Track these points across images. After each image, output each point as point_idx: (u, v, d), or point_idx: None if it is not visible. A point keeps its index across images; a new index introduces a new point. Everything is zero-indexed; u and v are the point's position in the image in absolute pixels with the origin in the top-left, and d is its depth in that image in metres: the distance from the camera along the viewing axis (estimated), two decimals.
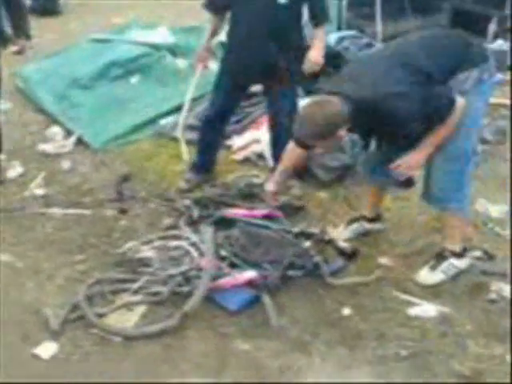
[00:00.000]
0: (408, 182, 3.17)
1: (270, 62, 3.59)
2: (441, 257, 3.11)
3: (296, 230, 3.36)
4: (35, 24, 8.01)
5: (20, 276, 3.12)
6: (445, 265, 3.09)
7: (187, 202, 3.59)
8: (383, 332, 2.78)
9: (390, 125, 2.75)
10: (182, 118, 4.41)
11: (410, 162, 2.89)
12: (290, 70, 3.63)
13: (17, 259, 3.26)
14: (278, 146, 3.78)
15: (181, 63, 5.64)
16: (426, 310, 2.93)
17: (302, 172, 3.92)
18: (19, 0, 4.13)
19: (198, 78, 4.21)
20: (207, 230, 3.12)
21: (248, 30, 3.57)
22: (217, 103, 3.86)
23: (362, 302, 2.98)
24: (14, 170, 4.29)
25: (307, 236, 3.33)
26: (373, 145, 3.12)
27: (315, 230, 3.40)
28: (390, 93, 2.67)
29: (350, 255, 3.29)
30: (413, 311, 2.92)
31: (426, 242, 3.41)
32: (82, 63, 5.65)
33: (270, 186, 3.31)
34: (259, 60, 3.60)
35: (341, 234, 3.45)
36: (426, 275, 3.11)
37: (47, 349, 2.60)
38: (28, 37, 4.16)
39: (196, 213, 3.44)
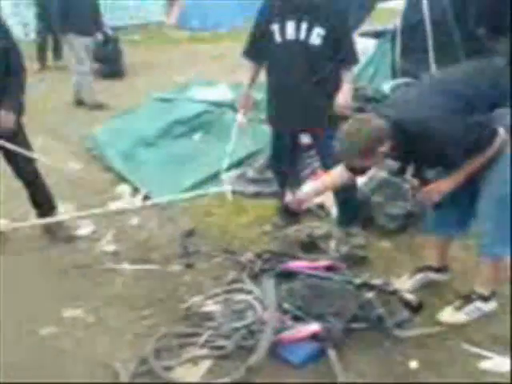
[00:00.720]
0: None
1: (309, 105, 3.69)
2: (468, 299, 3.14)
3: (358, 281, 3.33)
4: (102, 86, 8.55)
5: (91, 331, 3.23)
6: (470, 307, 3.12)
7: (249, 255, 3.65)
8: None
9: (427, 147, 2.77)
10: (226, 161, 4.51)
11: (437, 188, 2.96)
12: (330, 111, 3.69)
13: (89, 314, 3.38)
14: (340, 203, 3.88)
15: (240, 118, 5.78)
16: (499, 363, 2.85)
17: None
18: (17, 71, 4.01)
19: (238, 127, 4.39)
20: (269, 284, 3.16)
21: (284, 76, 3.70)
22: (271, 152, 4.11)
23: (429, 354, 2.93)
24: (85, 228, 4.49)
25: (370, 287, 3.29)
26: (409, 170, 3.15)
27: (378, 280, 3.37)
28: (429, 116, 2.73)
29: (415, 307, 3.23)
30: (484, 365, 2.84)
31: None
32: (147, 122, 5.93)
33: (300, 194, 3.37)
34: (298, 104, 3.71)
35: (405, 285, 3.41)
36: (449, 315, 3.13)
37: None
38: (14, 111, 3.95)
39: (258, 266, 3.49)
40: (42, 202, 4.34)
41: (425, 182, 3.10)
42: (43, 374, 2.85)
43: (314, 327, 2.98)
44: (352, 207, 4.02)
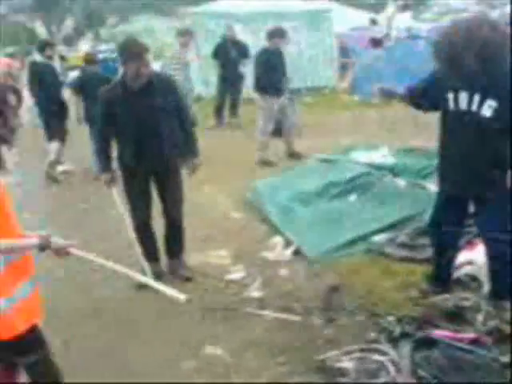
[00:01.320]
0: None
1: (479, 173, 3.61)
2: None
3: (505, 359, 3.16)
4: (271, 143, 9.01)
5: (227, 371, 3.40)
6: None
7: (391, 318, 3.62)
8: None
9: None
10: None
11: None
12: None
13: (227, 355, 3.56)
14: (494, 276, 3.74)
15: (400, 183, 5.80)
16: None
17: None
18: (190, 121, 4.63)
19: None
20: (406, 348, 3.11)
21: (455, 144, 3.68)
22: (433, 217, 4.03)
23: None
24: (237, 273, 4.74)
25: None
26: None
27: None
28: None
29: None
30: None
31: None
32: (307, 181, 6.15)
33: None
34: (468, 170, 3.65)
35: None
36: None
37: None
38: (196, 155, 4.60)
39: (398, 330, 3.44)
40: (177, 243, 4.70)
41: None
42: None
43: None
44: (506, 280, 3.82)
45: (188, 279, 4.60)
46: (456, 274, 4.27)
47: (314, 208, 5.62)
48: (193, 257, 4.95)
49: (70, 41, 22.92)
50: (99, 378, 3.25)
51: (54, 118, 8.11)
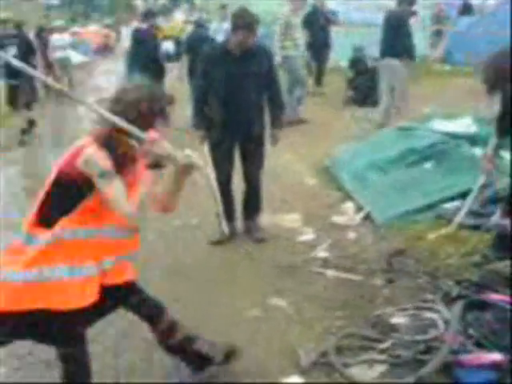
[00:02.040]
0: None
1: None
2: None
3: None
4: (353, 113, 9.07)
5: (288, 320, 3.63)
6: None
7: (450, 282, 3.70)
8: None
9: None
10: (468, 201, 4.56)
11: None
12: None
13: (289, 306, 3.80)
14: None
15: (478, 152, 5.73)
16: None
17: None
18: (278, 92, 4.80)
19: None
20: (457, 307, 3.20)
21: None
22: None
23: None
24: (306, 235, 4.94)
25: None
26: None
27: None
28: None
29: None
30: None
31: None
32: (384, 149, 6.21)
33: None
34: None
35: None
36: None
37: (293, 380, 3.01)
38: (280, 126, 4.85)
39: (455, 292, 3.53)
40: (253, 206, 4.95)
41: None
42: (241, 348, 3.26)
43: (496, 356, 2.95)
44: None
45: (261, 240, 4.85)
46: None
47: (387, 175, 5.69)
48: (266, 219, 5.18)
49: (166, 11, 23.61)
50: None
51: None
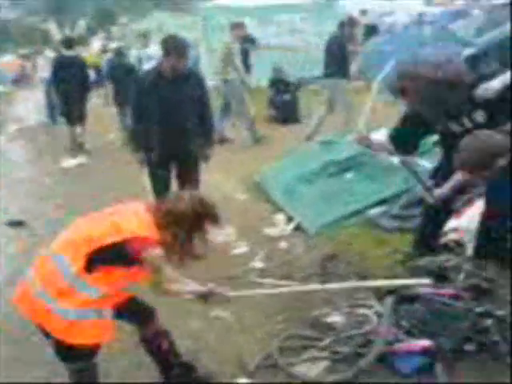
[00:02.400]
0: None
1: None
2: None
3: (480, 309, 3.48)
4: (274, 131, 9.38)
5: (231, 329, 3.77)
6: None
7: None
8: None
9: None
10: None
11: None
12: None
13: (231, 316, 3.93)
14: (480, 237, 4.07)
15: (395, 160, 6.10)
16: None
17: None
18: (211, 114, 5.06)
19: None
20: (388, 301, 3.44)
21: None
22: None
23: None
24: (241, 248, 5.11)
25: (491, 316, 3.43)
26: None
27: (500, 311, 3.48)
28: None
29: None
30: None
31: None
32: (308, 162, 6.51)
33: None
34: None
35: None
36: None
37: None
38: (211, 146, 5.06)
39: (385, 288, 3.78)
40: None
41: None
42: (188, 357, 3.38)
43: (425, 342, 3.21)
44: (492, 240, 4.13)
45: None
46: (442, 240, 4.60)
47: (313, 186, 5.97)
48: None
49: (83, 40, 23.46)
50: None
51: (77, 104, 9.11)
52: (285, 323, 3.75)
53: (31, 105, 14.31)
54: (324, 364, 3.27)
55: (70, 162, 8.90)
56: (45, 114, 12.20)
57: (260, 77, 11.99)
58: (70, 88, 8.94)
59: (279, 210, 5.88)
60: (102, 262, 2.66)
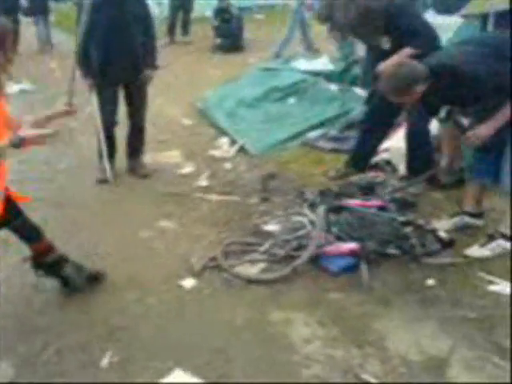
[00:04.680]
0: None
1: None
2: (492, 237, 3.64)
3: (402, 219, 3.90)
4: (221, 59, 9.50)
5: (178, 238, 4.08)
6: (493, 244, 3.61)
7: (313, 191, 4.33)
8: (458, 299, 3.25)
9: (462, 85, 3.30)
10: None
11: (479, 133, 3.43)
12: None
13: (179, 227, 4.24)
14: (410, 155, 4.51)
15: (332, 87, 6.44)
16: (504, 287, 3.32)
17: None
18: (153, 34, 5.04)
19: None
20: (320, 210, 3.82)
21: None
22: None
23: (447, 277, 3.46)
24: (188, 168, 5.37)
25: (411, 224, 3.86)
26: (442, 113, 3.66)
27: (421, 221, 3.92)
28: (466, 60, 3.32)
29: (446, 243, 3.75)
30: (492, 288, 3.33)
31: None
32: (250, 88, 6.76)
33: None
34: None
35: (442, 225, 3.92)
36: (475, 250, 3.65)
37: (189, 283, 3.49)
38: (154, 67, 5.08)
39: (318, 200, 4.16)
40: (138, 145, 5.29)
41: (463, 129, 3.61)
42: (136, 264, 3.71)
43: (352, 245, 3.62)
44: (421, 158, 4.55)
45: (146, 175, 5.20)
46: (375, 160, 5.00)
47: (256, 111, 6.25)
48: (148, 158, 5.53)
49: None
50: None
51: None
52: (228, 232, 4.08)
53: None
54: (262, 265, 3.64)
55: (12, 88, 8.79)
56: None
57: (204, 7, 11.99)
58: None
59: (223, 133, 6.14)
60: None
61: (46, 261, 3.29)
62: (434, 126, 4.65)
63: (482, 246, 3.66)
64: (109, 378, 2.75)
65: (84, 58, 4.76)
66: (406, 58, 3.97)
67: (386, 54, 4.33)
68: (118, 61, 4.81)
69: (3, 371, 2.84)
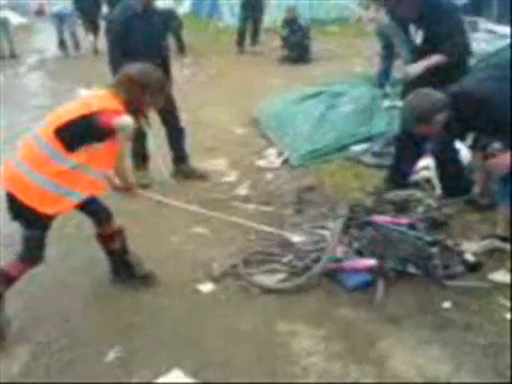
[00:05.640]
0: None
1: None
2: None
3: (429, 238, 3.83)
4: (286, 70, 9.63)
5: (207, 243, 4.19)
6: None
7: (344, 206, 4.32)
8: (471, 324, 3.17)
9: (481, 113, 3.23)
10: None
11: (502, 160, 3.35)
12: None
13: (210, 232, 4.35)
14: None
15: (386, 103, 6.40)
16: None
17: None
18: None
19: None
20: (338, 223, 3.83)
21: None
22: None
23: (466, 301, 3.38)
24: (231, 177, 5.50)
25: (438, 245, 3.79)
26: (469, 140, 3.58)
27: (448, 242, 3.85)
28: (486, 87, 3.27)
29: (472, 266, 3.67)
30: (509, 315, 3.23)
31: None
32: (304, 101, 6.79)
33: None
34: None
35: (470, 247, 3.83)
36: (500, 275, 3.56)
37: (207, 287, 3.60)
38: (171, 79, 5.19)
39: (348, 215, 4.15)
40: (181, 148, 5.42)
41: (488, 155, 3.53)
42: (159, 266, 3.82)
43: (371, 261, 3.61)
44: (453, 177, 4.47)
45: (201, 177, 5.39)
46: (414, 178, 4.94)
47: (305, 123, 6.27)
48: (194, 165, 5.68)
49: None
50: None
51: None
52: (257, 241, 4.15)
53: (49, 36, 14.56)
54: (281, 275, 3.69)
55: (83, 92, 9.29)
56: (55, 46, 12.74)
57: (275, 18, 12.13)
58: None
59: (273, 144, 6.23)
60: (73, 136, 2.93)
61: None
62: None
63: (509, 271, 3.55)
64: (109, 373, 2.89)
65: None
66: (434, 63, 3.99)
67: (418, 52, 4.30)
68: None
69: (20, 356, 3.05)
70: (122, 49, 4.91)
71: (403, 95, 4.51)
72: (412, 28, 4.36)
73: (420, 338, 3.09)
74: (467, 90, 3.37)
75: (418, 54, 4.32)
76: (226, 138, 6.56)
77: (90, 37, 12.52)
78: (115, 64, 4.92)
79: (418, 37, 4.28)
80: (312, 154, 5.62)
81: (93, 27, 12.50)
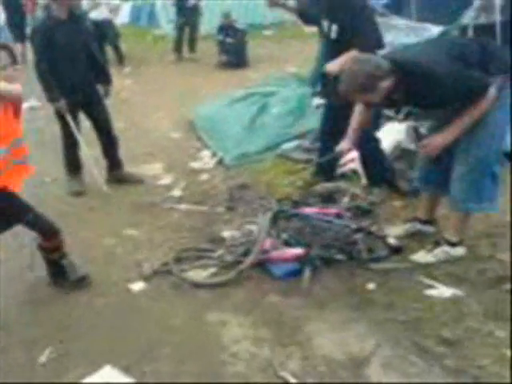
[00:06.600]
0: None
1: None
2: (437, 243, 3.70)
3: (354, 226, 3.99)
4: (223, 74, 9.73)
5: (140, 245, 4.23)
6: (438, 250, 3.67)
7: (273, 201, 4.44)
8: (393, 302, 3.32)
9: (424, 85, 3.13)
10: None
11: (436, 142, 3.38)
12: None
13: (143, 235, 4.39)
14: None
15: (315, 101, 6.56)
16: (442, 292, 3.39)
17: None
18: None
19: None
20: (266, 217, 3.93)
21: None
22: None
23: (388, 281, 3.54)
24: (166, 180, 5.55)
25: (362, 231, 3.94)
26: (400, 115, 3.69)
27: (373, 228, 4.01)
28: (429, 59, 3.18)
29: (394, 249, 3.83)
30: (429, 292, 3.40)
31: (469, 244, 3.79)
32: (236, 103, 6.90)
33: (344, 144, 3.96)
34: None
35: (393, 232, 4.00)
36: (420, 256, 3.71)
37: (137, 286, 3.65)
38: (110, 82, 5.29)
39: (275, 208, 4.26)
40: (115, 155, 5.45)
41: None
42: (92, 268, 3.85)
43: (297, 251, 3.73)
44: (377, 169, 4.63)
45: (138, 181, 5.44)
46: (342, 170, 5.08)
47: (236, 123, 6.38)
48: (129, 170, 5.70)
49: None
50: None
51: None
52: (189, 239, 4.22)
53: None
54: (212, 270, 3.77)
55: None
56: None
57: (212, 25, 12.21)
58: None
59: (206, 146, 6.31)
60: None
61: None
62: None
63: (428, 251, 3.72)
64: (41, 375, 2.91)
65: (49, 81, 4.95)
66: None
67: (334, 47, 4.46)
68: (74, 86, 5.02)
69: None
70: (47, 60, 4.89)
71: (323, 93, 4.69)
72: (325, 22, 4.48)
73: (344, 318, 3.22)
74: (411, 59, 3.24)
75: (333, 48, 4.46)
76: (163, 144, 6.60)
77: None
78: (43, 77, 4.93)
79: (332, 32, 4.41)
80: (243, 155, 5.71)
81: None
